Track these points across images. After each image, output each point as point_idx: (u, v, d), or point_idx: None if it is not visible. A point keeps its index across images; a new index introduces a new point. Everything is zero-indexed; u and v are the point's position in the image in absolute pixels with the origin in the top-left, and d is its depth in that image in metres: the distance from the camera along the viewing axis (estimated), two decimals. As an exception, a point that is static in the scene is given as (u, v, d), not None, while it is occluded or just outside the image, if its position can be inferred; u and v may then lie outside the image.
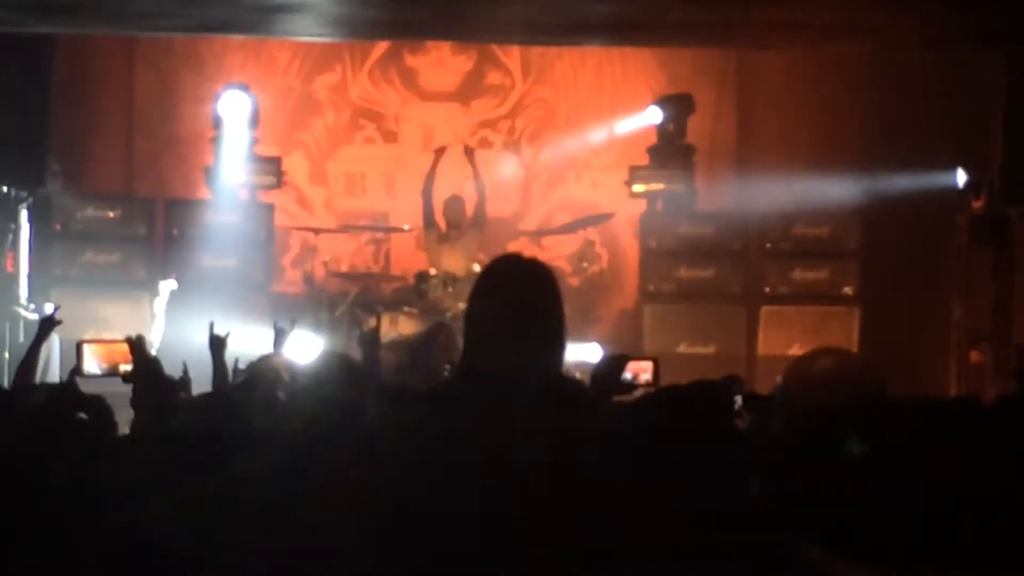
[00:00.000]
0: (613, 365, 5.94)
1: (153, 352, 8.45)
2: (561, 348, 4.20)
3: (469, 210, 13.46)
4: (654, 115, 14.53)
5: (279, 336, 7.74)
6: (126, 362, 6.91)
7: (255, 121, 14.37)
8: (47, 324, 7.68)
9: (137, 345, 6.79)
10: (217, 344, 7.56)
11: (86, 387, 5.58)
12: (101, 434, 5.08)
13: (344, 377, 5.27)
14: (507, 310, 4.18)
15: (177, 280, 13.11)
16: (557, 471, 3.95)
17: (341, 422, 4.91)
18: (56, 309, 8.04)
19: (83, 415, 5.54)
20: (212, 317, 7.64)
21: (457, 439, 4.02)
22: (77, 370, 7.15)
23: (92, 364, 7.25)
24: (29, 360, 7.25)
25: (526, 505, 3.91)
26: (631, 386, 6.65)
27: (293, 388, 5.42)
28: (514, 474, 3.93)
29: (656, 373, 7.14)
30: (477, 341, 4.22)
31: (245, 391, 6.38)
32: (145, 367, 6.70)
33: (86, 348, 7.29)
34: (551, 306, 4.21)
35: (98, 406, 5.24)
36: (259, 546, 4.29)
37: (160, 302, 12.98)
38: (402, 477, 4.16)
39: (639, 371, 6.98)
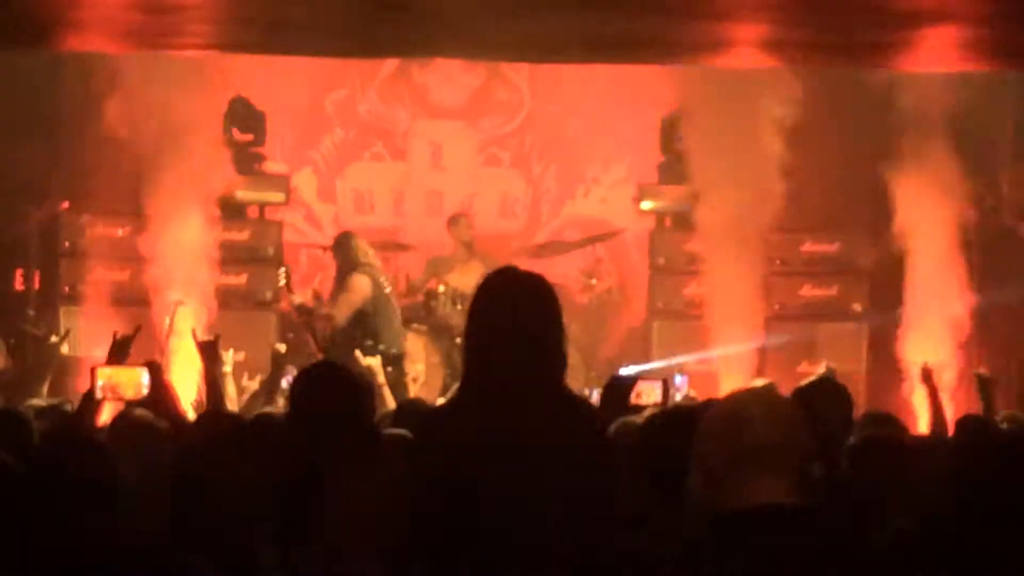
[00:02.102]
0: (622, 385, 5.92)
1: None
2: (560, 360, 4.19)
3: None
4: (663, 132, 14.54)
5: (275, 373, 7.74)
6: (140, 387, 6.83)
7: (263, 137, 14.38)
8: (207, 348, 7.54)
9: (155, 370, 6.74)
10: (207, 350, 7.49)
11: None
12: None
13: (346, 391, 5.23)
14: (504, 325, 4.17)
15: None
16: (564, 486, 3.94)
17: (342, 436, 4.89)
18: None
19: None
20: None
21: (465, 453, 4.01)
22: (91, 394, 7.06)
23: (105, 389, 7.11)
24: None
25: (533, 517, 3.91)
26: (639, 406, 6.65)
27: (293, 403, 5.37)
28: (522, 488, 3.92)
29: (665, 393, 7.11)
30: (477, 357, 4.21)
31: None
32: (162, 392, 6.67)
33: (99, 372, 7.16)
34: (547, 318, 4.20)
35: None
36: (274, 551, 4.31)
37: (167, 321, 12.96)
38: (410, 490, 4.17)
39: (648, 390, 6.96)
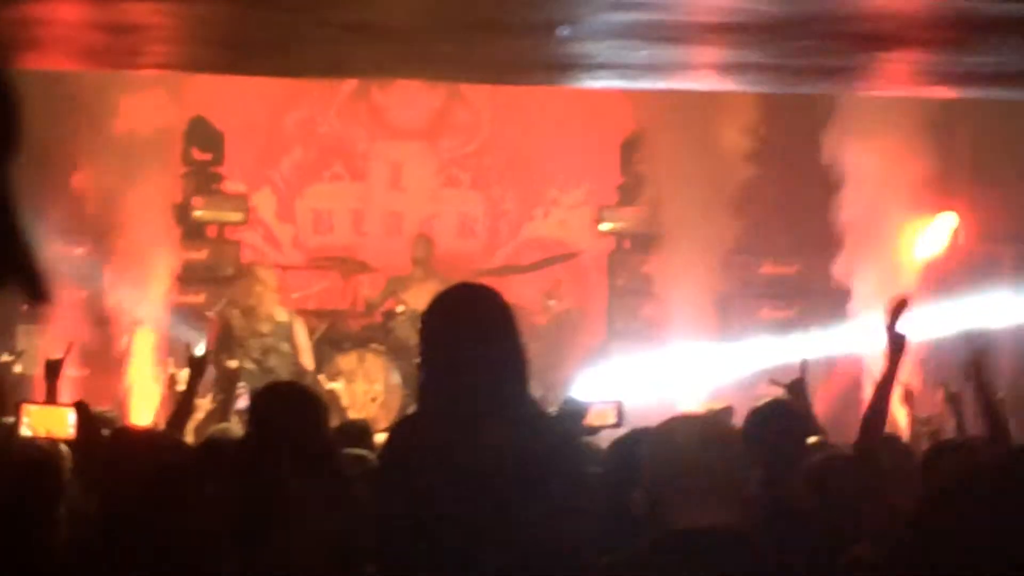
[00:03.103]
0: (577, 407, 5.91)
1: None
2: (519, 371, 4.16)
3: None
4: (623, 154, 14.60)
5: (229, 391, 7.70)
6: (66, 426, 6.56)
7: (222, 157, 14.35)
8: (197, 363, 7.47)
9: (82, 411, 6.48)
10: (196, 365, 7.39)
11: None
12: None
13: (307, 410, 5.21)
14: (458, 338, 4.15)
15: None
16: (527, 500, 3.94)
17: (303, 454, 4.87)
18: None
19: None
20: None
21: (425, 469, 4.01)
22: (13, 431, 6.86)
23: (32, 427, 6.87)
24: None
25: (497, 532, 3.91)
26: (594, 427, 6.66)
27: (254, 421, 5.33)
28: (485, 503, 3.92)
29: (619, 414, 7.09)
30: (432, 371, 4.19)
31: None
32: (89, 432, 6.45)
33: (26, 409, 6.95)
34: (502, 330, 4.18)
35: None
36: (241, 565, 4.31)
37: (125, 340, 12.92)
38: (371, 508, 4.17)
39: (603, 412, 6.95)
